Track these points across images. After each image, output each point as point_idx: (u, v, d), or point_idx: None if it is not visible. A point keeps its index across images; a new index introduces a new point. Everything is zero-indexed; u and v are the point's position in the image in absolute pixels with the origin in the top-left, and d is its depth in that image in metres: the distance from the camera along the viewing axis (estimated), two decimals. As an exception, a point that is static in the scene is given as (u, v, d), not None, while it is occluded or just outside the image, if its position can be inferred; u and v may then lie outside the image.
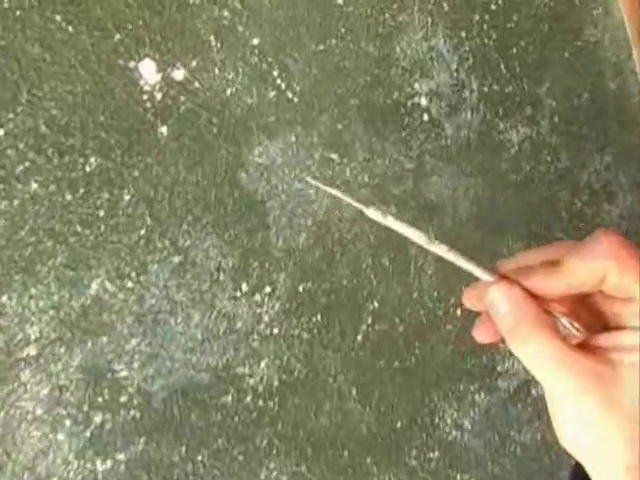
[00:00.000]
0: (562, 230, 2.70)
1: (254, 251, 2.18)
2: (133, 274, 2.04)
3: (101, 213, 2.00)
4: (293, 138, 2.23)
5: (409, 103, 2.38)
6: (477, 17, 2.54)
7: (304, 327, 2.23)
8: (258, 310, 2.19)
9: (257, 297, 2.19)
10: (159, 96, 2.07)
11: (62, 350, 2.01)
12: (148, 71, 2.09)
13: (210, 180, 2.13)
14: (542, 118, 2.65)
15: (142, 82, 2.06)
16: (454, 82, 2.47)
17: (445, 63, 2.45)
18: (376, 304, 2.34)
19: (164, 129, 2.07)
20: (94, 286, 2.00)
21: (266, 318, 2.19)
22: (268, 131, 2.19)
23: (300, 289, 2.23)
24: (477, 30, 2.52)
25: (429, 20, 2.43)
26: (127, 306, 2.04)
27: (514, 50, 2.61)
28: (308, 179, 2.20)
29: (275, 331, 2.21)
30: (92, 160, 1.99)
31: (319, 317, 2.25)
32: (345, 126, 2.29)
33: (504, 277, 0.92)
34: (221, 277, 2.15)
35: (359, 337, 2.31)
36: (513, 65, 2.59)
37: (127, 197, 2.02)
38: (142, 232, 2.04)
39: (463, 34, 2.49)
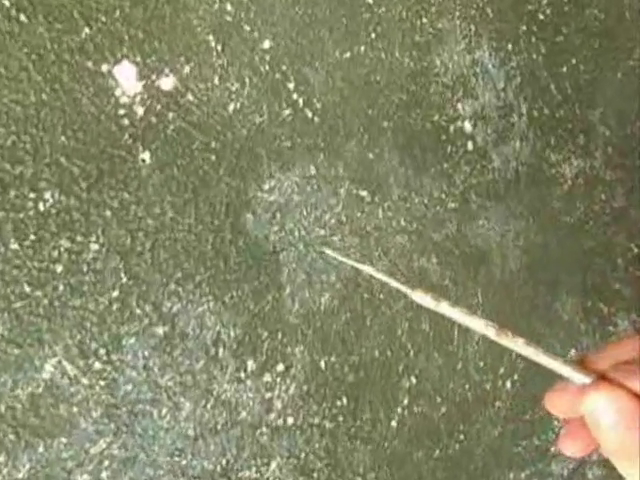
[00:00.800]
0: (619, 280, 2.25)
1: (263, 318, 1.63)
2: (102, 351, 1.46)
3: (59, 268, 1.43)
4: (313, 170, 1.70)
5: (451, 128, 1.89)
6: (524, 27, 2.08)
7: (326, 414, 1.69)
8: (268, 395, 1.63)
9: (267, 378, 1.63)
10: (140, 111, 1.51)
11: (1, 458, 1.42)
12: (126, 78, 1.54)
13: (206, 224, 1.58)
14: (596, 148, 2.20)
15: (118, 92, 1.50)
16: (501, 104, 1.99)
17: (491, 81, 1.97)
18: (413, 380, 1.82)
19: (146, 155, 1.51)
20: (48, 368, 1.42)
21: (278, 405, 1.64)
22: (282, 160, 1.66)
23: (322, 365, 1.69)
24: (525, 43, 2.06)
25: (472, 28, 1.95)
26: (94, 395, 1.46)
27: (564, 68, 2.16)
28: (327, 251, 1.68)
29: (289, 421, 1.66)
30: (47, 196, 1.43)
31: (345, 400, 1.72)
32: (377, 155, 1.77)
33: (602, 377, 0.78)
34: (220, 353, 1.59)
35: (393, 423, 1.78)
36: (564, 86, 2.14)
37: (95, 246, 1.45)
38: (114, 294, 1.47)
39: (510, 47, 2.02)
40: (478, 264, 1.94)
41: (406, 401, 1.81)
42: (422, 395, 1.82)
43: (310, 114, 1.72)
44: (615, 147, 2.29)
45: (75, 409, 1.48)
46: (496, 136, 1.99)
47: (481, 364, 1.94)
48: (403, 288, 1.32)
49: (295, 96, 1.71)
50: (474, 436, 1.91)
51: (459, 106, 1.92)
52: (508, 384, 2.01)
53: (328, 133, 1.74)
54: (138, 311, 1.54)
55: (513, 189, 2.00)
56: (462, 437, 1.90)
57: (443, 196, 1.88)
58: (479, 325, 1.13)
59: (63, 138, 1.50)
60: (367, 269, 1.54)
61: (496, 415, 1.97)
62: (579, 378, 0.82)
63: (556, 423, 2.13)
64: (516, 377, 2.06)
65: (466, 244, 1.92)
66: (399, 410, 1.79)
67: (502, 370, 2.00)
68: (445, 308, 1.21)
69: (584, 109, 2.20)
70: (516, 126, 2.04)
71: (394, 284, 1.36)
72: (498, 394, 1.98)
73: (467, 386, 1.91)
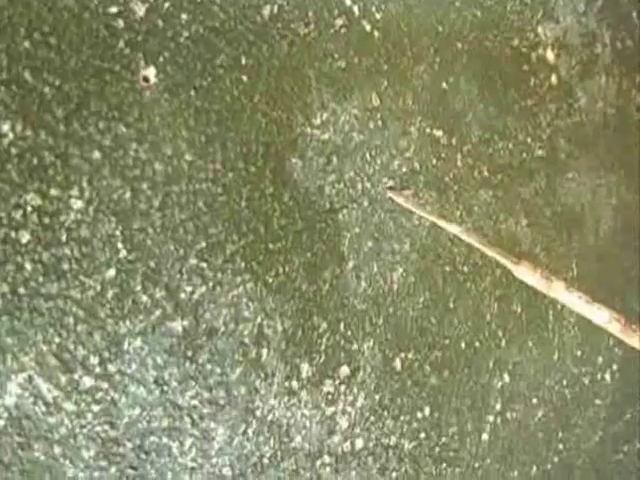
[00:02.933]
0: None
1: (320, 303, 1.11)
2: (94, 360, 0.92)
3: (24, 237, 0.89)
4: (376, 100, 1.18)
5: (533, 56, 1.39)
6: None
7: (405, 431, 1.18)
8: (330, 410, 1.11)
9: (328, 387, 1.11)
10: (141, 9, 0.99)
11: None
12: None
13: (238, 171, 1.04)
14: (678, 93, 1.75)
15: None
16: (583, 30, 1.51)
17: (571, 2, 1.49)
18: (507, 377, 1.33)
19: (150, 72, 0.98)
20: (13, 389, 0.89)
21: (343, 423, 1.12)
22: (336, 85, 1.14)
23: (397, 365, 1.17)
24: (601, -39, 1.59)
25: (548, -64, 1.47)
26: (84, 427, 0.91)
27: (641, -4, 1.70)
28: (392, 195, 1.14)
29: (359, 444, 1.14)
30: (5, 128, 0.89)
31: (427, 411, 1.21)
32: (452, 85, 1.27)
33: None
34: (264, 355, 1.05)
35: (484, 436, 1.29)
36: (644, 16, 1.68)
37: (78, 204, 0.91)
38: (109, 274, 0.93)
39: (587, -37, 1.55)
40: (571, 228, 1.46)
41: (499, 406, 1.31)
42: (516, 397, 1.33)
43: (368, 27, 1.20)
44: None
45: (57, 449, 0.94)
46: (581, 69, 1.51)
47: (579, 353, 1.46)
48: (504, 260, 1.04)
49: (348, 2, 1.18)
50: (573, 445, 1.43)
51: (540, 30, 1.44)
52: (607, 377, 1.54)
53: (392, 53, 1.22)
54: (145, 298, 0.99)
55: (602, 135, 1.53)
56: (561, 447, 1.42)
57: (529, 140, 1.39)
58: (601, 317, 0.97)
59: (27, 44, 0.95)
60: (456, 230, 1.03)
61: (596, 416, 1.49)
62: None
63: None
64: (615, 367, 1.59)
65: (557, 202, 1.43)
66: (491, 419, 1.30)
67: (600, 360, 1.52)
68: (559, 291, 0.96)
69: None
70: (600, 58, 1.57)
71: (493, 254, 1.07)
72: (597, 390, 1.51)
73: (565, 382, 1.43)
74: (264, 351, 1.05)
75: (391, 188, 1.17)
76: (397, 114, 1.22)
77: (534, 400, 1.38)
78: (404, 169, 1.20)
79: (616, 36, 1.62)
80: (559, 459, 1.42)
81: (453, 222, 1.14)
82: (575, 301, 0.96)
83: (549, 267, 1.40)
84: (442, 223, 1.10)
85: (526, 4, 1.45)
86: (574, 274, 1.50)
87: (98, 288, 0.96)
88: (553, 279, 0.97)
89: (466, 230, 1.06)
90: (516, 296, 1.38)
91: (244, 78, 1.08)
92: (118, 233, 0.97)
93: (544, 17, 1.48)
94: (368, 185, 1.17)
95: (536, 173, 1.43)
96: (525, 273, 0.99)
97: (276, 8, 1.14)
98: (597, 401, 1.52)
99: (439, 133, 1.27)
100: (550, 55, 1.48)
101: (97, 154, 0.98)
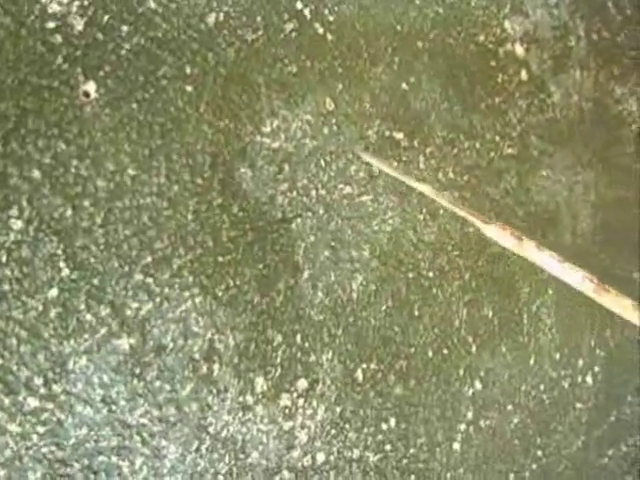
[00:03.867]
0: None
1: (274, 315, 1.08)
2: (37, 381, 0.90)
3: None
4: (330, 104, 1.15)
5: (501, 51, 1.35)
6: None
7: (369, 444, 1.15)
8: (288, 425, 1.08)
9: (285, 401, 1.08)
10: (80, 24, 0.96)
11: None
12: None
13: (184, 184, 1.02)
14: (661, 82, 1.69)
15: None
16: (555, 23, 1.45)
17: (542, -7, 1.44)
18: (478, 385, 1.29)
19: (91, 87, 0.96)
20: None
21: (303, 437, 1.09)
22: (287, 91, 1.11)
23: (358, 376, 1.14)
24: (575, -50, 1.54)
25: None
26: (29, 449, 0.89)
27: (619, -16, 1.64)
28: (361, 154, 1.11)
29: (320, 458, 1.11)
30: None
31: (393, 422, 1.17)
32: (413, 86, 1.23)
33: None
34: (215, 371, 1.03)
35: (456, 446, 1.25)
36: (622, 4, 1.61)
37: (18, 224, 0.89)
38: (52, 293, 0.91)
39: (559, -47, 1.49)
40: (545, 227, 1.41)
41: (470, 414, 1.27)
42: (490, 404, 1.29)
43: (321, 29, 1.16)
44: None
45: (2, 471, 0.92)
46: (553, 63, 1.46)
47: (557, 356, 1.41)
48: (475, 220, 1.02)
49: (299, 5, 1.15)
50: (553, 451, 1.39)
51: (507, 24, 1.39)
52: (589, 379, 1.49)
53: (347, 55, 1.18)
54: (89, 317, 0.97)
55: (578, 130, 1.48)
56: (540, 453, 1.38)
57: (498, 139, 1.35)
58: (574, 278, 0.98)
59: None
60: (426, 189, 1.05)
61: (577, 420, 1.44)
62: None
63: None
64: (597, 369, 1.54)
65: (530, 202, 1.38)
66: (462, 427, 1.26)
67: (581, 362, 1.47)
68: (530, 250, 0.96)
69: (646, 34, 1.69)
70: (574, 51, 1.51)
71: (462, 213, 1.05)
72: (578, 393, 1.45)
73: (542, 386, 1.38)
74: (216, 366, 1.03)
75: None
76: (353, 118, 1.18)
77: (509, 406, 1.34)
78: (362, 174, 1.16)
79: (591, 28, 1.56)
80: (538, 466, 1.37)
81: (422, 181, 1.10)
82: (547, 260, 0.96)
83: (522, 269, 1.35)
84: (412, 182, 1.06)
85: (492, -1, 1.41)
86: (549, 274, 1.44)
87: (40, 308, 0.94)
88: (524, 238, 0.97)
89: (436, 190, 1.05)
90: (487, 300, 1.33)
91: (189, 88, 1.05)
92: (60, 252, 0.95)
93: (512, 11, 1.43)
94: (323, 192, 1.13)
95: (506, 172, 1.38)
96: (495, 232, 1.00)
97: (222, 15, 1.11)
98: (578, 405, 1.47)
99: (400, 135, 1.23)
100: (519, 50, 1.43)
101: (37, 173, 0.96)
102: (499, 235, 0.99)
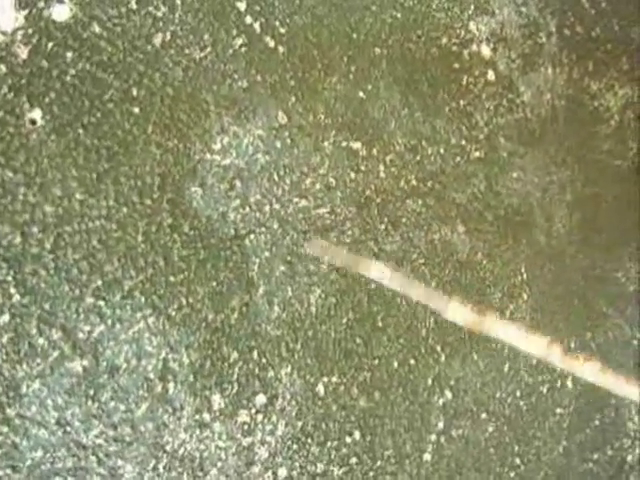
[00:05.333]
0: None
1: (229, 332, 1.07)
2: (-11, 406, 0.91)
3: None
4: (283, 117, 1.14)
5: (465, 53, 1.32)
6: None
7: (333, 457, 1.13)
8: (247, 440, 1.08)
9: (243, 417, 1.07)
10: (24, 52, 0.97)
11: None
12: (1, 6, 0.99)
13: (133, 205, 1.02)
14: (643, 74, 1.64)
15: None
16: (523, 21, 1.42)
17: (509, -9, 1.40)
18: (449, 394, 1.26)
19: (36, 114, 0.97)
20: None
21: (263, 453, 1.08)
22: (236, 107, 1.10)
23: (319, 390, 1.13)
24: (545, -57, 1.49)
25: None
26: (-19, 472, 0.91)
27: (595, -24, 1.59)
28: (308, 247, 1.12)
29: (282, 473, 1.10)
30: None
31: (357, 435, 1.16)
32: (370, 94, 1.21)
33: None
34: (170, 389, 1.03)
35: (426, 456, 1.23)
36: (598, -3, 1.56)
37: None
38: (3, 319, 0.92)
39: (527, -52, 1.45)
40: (518, 230, 1.38)
41: (441, 424, 1.25)
42: (462, 413, 1.26)
43: (272, 42, 1.15)
44: (665, 71, 1.72)
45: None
46: (522, 61, 1.42)
47: (534, 362, 1.38)
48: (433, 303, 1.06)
49: (248, 19, 1.14)
50: (533, 458, 1.35)
51: (472, 25, 1.36)
52: (569, 383, 1.45)
53: (300, 67, 1.17)
54: (41, 341, 0.98)
55: (551, 129, 1.44)
56: (518, 461, 1.34)
57: (464, 143, 1.32)
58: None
59: None
60: (378, 275, 1.12)
61: (558, 426, 1.41)
62: None
63: (630, 425, 1.57)
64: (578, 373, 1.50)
65: (500, 205, 1.35)
66: (433, 438, 1.23)
67: (559, 368, 1.44)
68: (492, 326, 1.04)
69: (624, 25, 1.63)
70: (545, 48, 1.47)
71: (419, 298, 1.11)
72: (558, 398, 1.42)
73: (518, 393, 1.35)
74: (171, 385, 1.03)
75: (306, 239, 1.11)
76: (307, 130, 1.16)
77: (483, 415, 1.30)
78: (317, 186, 1.15)
79: (563, 23, 1.51)
80: (516, 474, 1.33)
81: (372, 265, 1.10)
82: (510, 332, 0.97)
83: (493, 275, 1.31)
84: (361, 269, 1.06)
85: (455, 0, 1.37)
86: (523, 278, 1.41)
87: (-7, 334, 0.96)
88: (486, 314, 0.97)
89: (389, 274, 1.05)
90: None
91: (135, 110, 1.05)
92: (10, 278, 0.96)
93: (477, 11, 1.40)
94: (277, 206, 1.12)
95: (473, 176, 1.34)
96: (455, 310, 1.00)
97: (168, 35, 1.11)
98: (558, 410, 1.43)
99: (357, 145, 1.21)
100: (485, 50, 1.39)
101: (-16, 200, 0.98)
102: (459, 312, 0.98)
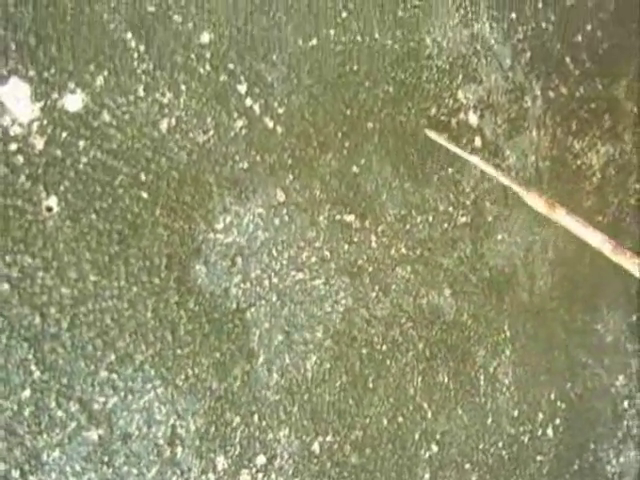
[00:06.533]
0: (665, 286, 1.82)
1: (232, 399, 1.19)
2: (15, 474, 1.03)
3: None
4: (281, 195, 1.26)
5: (453, 122, 1.44)
6: (528, -10, 1.63)
7: None
8: None
9: (244, 476, 1.20)
10: (40, 143, 1.08)
11: None
12: (17, 100, 1.10)
13: (143, 285, 1.14)
14: (624, 129, 1.76)
15: (6, 120, 1.06)
16: (510, 86, 1.54)
17: (495, 59, 1.52)
18: (435, 448, 1.39)
19: (52, 201, 1.08)
20: None
21: None
22: (238, 188, 1.22)
23: (315, 449, 1.26)
24: (531, 10, 1.61)
25: (467, -5, 1.50)
26: (5, 536, 1.03)
27: (579, 37, 1.71)
28: (428, 132, 1.43)
29: (280, 528, 1.24)
30: None
31: (350, 489, 1.29)
32: (363, 167, 1.33)
33: None
34: (178, 453, 1.15)
35: None
36: (581, 58, 1.69)
37: None
38: (25, 394, 1.04)
39: (514, 15, 1.57)
40: (501, 289, 1.51)
41: (428, 476, 1.38)
42: (447, 465, 1.40)
43: (271, 123, 1.27)
44: (646, 125, 1.85)
45: None
46: (508, 126, 1.55)
47: (515, 413, 1.51)
48: (515, 187, 1.27)
49: (249, 102, 1.26)
50: (515, 503, 1.49)
51: (460, 94, 1.48)
52: (549, 432, 1.58)
53: (297, 146, 1.29)
54: (60, 413, 1.10)
55: (534, 190, 1.56)
56: (501, 508, 1.48)
57: (451, 209, 1.44)
58: (595, 240, 1.13)
59: None
60: (475, 160, 1.39)
61: (538, 472, 1.54)
62: None
63: (609, 468, 1.71)
64: (558, 421, 1.63)
65: (485, 266, 1.48)
66: (420, 489, 1.37)
67: (541, 416, 1.57)
68: (560, 215, 1.19)
69: (606, 84, 1.75)
70: (530, 112, 1.59)
71: (505, 181, 1.34)
72: (538, 446, 1.55)
73: (501, 443, 1.48)
74: (178, 449, 1.15)
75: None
76: (303, 206, 1.28)
77: (467, 465, 1.44)
78: (313, 259, 1.27)
79: (548, 85, 1.63)
80: (500, 520, 1.47)
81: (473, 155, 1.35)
82: (573, 224, 1.18)
83: (477, 334, 1.45)
84: (465, 155, 1.35)
85: (444, 70, 1.49)
86: (506, 335, 1.54)
87: (15, 408, 1.07)
88: (556, 205, 1.19)
89: (484, 160, 1.35)
90: (442, 367, 1.43)
91: (144, 194, 1.17)
92: (30, 356, 1.08)
93: (465, 80, 1.52)
94: (276, 280, 1.24)
95: (460, 241, 1.47)
96: (533, 199, 1.22)
97: (174, 120, 1.22)
98: (539, 457, 1.56)
99: (350, 218, 1.33)
100: (473, 118, 1.51)
101: (6, 286, 1.09)
102: (535, 202, 1.21)
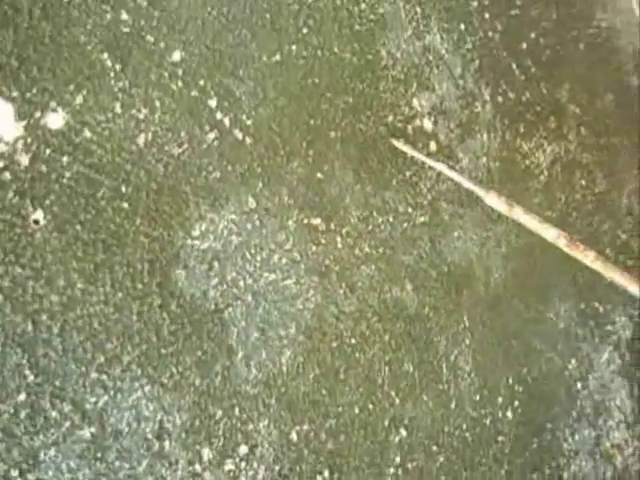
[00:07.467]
0: (610, 274, 2.03)
1: (214, 393, 1.34)
2: (14, 473, 1.16)
3: None
4: (252, 202, 1.41)
5: (409, 128, 1.62)
6: (475, 3, 1.82)
7: None
8: None
9: (229, 465, 1.35)
10: (25, 159, 1.21)
11: None
12: (2, 118, 1.22)
13: (127, 290, 1.28)
14: (568, 130, 1.98)
15: None
16: (461, 93, 1.73)
17: (447, 68, 1.71)
18: (403, 432, 1.57)
19: (39, 215, 1.21)
20: None
21: None
22: (212, 196, 1.37)
23: (293, 437, 1.42)
24: (478, 21, 1.81)
25: (418, 10, 1.68)
26: (5, 529, 1.15)
27: (524, 45, 1.92)
28: (395, 141, 1.61)
29: (263, 512, 1.39)
30: None
31: (327, 473, 1.45)
32: (327, 174, 1.50)
33: None
34: (166, 447, 1.29)
35: None
36: (526, 64, 1.90)
37: None
38: (21, 398, 1.17)
39: (462, 27, 1.77)
40: (459, 283, 1.69)
41: (398, 459, 1.55)
42: (416, 448, 1.57)
43: (240, 135, 1.43)
44: (588, 126, 2.08)
45: None
46: (460, 131, 1.74)
47: (477, 398, 1.70)
48: (476, 189, 1.42)
49: (219, 115, 1.41)
50: (479, 481, 1.68)
51: (415, 102, 1.66)
52: (509, 414, 1.78)
53: (265, 155, 1.45)
54: (54, 414, 1.23)
55: (486, 187, 1.75)
56: (466, 486, 1.67)
57: (410, 210, 1.62)
58: (550, 235, 1.23)
59: None
60: (441, 167, 1.54)
61: (500, 452, 1.74)
62: None
63: (565, 445, 1.92)
64: (517, 404, 1.83)
65: (443, 262, 1.66)
66: (391, 471, 1.54)
67: (501, 400, 1.76)
68: (519, 214, 1.31)
69: (550, 88, 1.97)
70: (481, 116, 1.79)
71: (467, 185, 1.48)
72: (499, 427, 1.75)
73: (465, 426, 1.67)
74: (166, 443, 1.29)
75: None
76: (273, 212, 1.45)
77: (434, 447, 1.62)
78: (284, 261, 1.43)
79: (496, 91, 1.84)
80: (466, 497, 1.66)
81: (439, 162, 1.53)
82: (530, 221, 1.29)
83: (439, 325, 1.63)
84: (430, 162, 1.55)
85: (399, 79, 1.67)
86: (465, 325, 1.73)
87: (12, 411, 1.19)
88: (514, 204, 1.32)
89: (448, 167, 1.50)
90: (407, 357, 1.61)
91: (125, 205, 1.31)
92: (24, 361, 1.21)
93: (419, 88, 1.71)
94: (250, 281, 1.40)
95: (419, 239, 1.65)
96: (493, 200, 1.35)
97: (150, 135, 1.37)
98: (500, 438, 1.76)
99: (317, 221, 1.50)
100: (427, 124, 1.70)
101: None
102: (495, 202, 1.35)
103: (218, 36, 1.43)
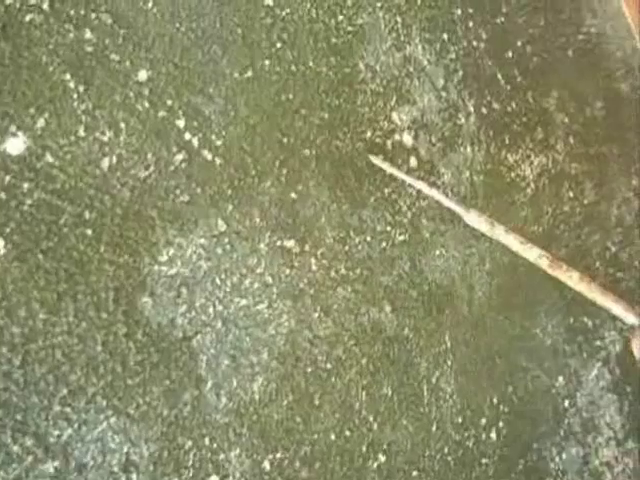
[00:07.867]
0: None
1: (183, 424, 1.33)
2: (-29, 510, 1.15)
3: None
4: (222, 225, 1.40)
5: (388, 143, 1.60)
6: (459, 11, 1.80)
7: None
8: None
9: (198, 497, 1.35)
10: None
11: None
12: (-41, 145, 1.21)
13: (91, 320, 1.27)
14: (556, 140, 1.96)
15: None
16: (443, 105, 1.71)
17: (428, 79, 1.69)
18: (382, 457, 1.55)
19: None
20: None
21: None
22: (180, 220, 1.35)
23: (266, 466, 1.41)
24: (462, 29, 1.79)
25: (399, 20, 1.66)
26: None
27: (510, 53, 1.90)
28: (373, 158, 1.59)
29: None
30: None
31: (301, 502, 1.44)
32: (301, 194, 1.48)
33: None
34: (133, 479, 1.29)
35: None
36: (512, 73, 1.87)
37: None
38: (-21, 432, 1.16)
39: (445, 36, 1.74)
40: (441, 302, 1.68)
41: (376, 485, 1.55)
42: (395, 474, 1.56)
43: (209, 155, 1.41)
44: (577, 135, 2.05)
45: None
46: (442, 145, 1.72)
47: (459, 420, 1.69)
48: (457, 208, 1.41)
49: (187, 135, 1.39)
50: (462, 505, 1.67)
51: (394, 116, 1.64)
52: (493, 435, 1.77)
53: (235, 176, 1.43)
54: (16, 448, 1.22)
55: (470, 204, 1.74)
56: (448, 511, 1.66)
57: (389, 229, 1.61)
58: (532, 255, 1.24)
59: None
60: (420, 185, 1.53)
61: (484, 474, 1.73)
62: (629, 318, 0.92)
63: (552, 465, 1.91)
64: (501, 424, 1.82)
65: (424, 281, 1.65)
66: (369, 498, 1.54)
67: (484, 421, 1.75)
68: (500, 233, 1.32)
69: (538, 97, 1.95)
70: (464, 129, 1.77)
71: (447, 203, 1.46)
72: (483, 449, 1.74)
73: (446, 449, 1.66)
74: (133, 476, 1.28)
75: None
76: (244, 234, 1.43)
77: (414, 472, 1.61)
78: (256, 285, 1.42)
79: (481, 102, 1.82)
80: (448, 522, 1.65)
81: (419, 180, 1.52)
82: (511, 241, 1.29)
83: (419, 347, 1.62)
84: (410, 180, 1.53)
85: (378, 93, 1.66)
86: (447, 346, 1.72)
87: (-29, 446, 1.19)
88: (495, 224, 1.33)
89: (428, 185, 1.48)
90: (385, 380, 1.60)
91: (88, 232, 1.30)
92: (-16, 395, 1.20)
93: (399, 102, 1.69)
94: (220, 307, 1.39)
95: (398, 259, 1.64)
96: (473, 219, 1.35)
97: (115, 158, 1.35)
98: (484, 460, 1.75)
99: (290, 243, 1.49)
100: (407, 138, 1.69)
101: (-44, 328, 1.20)
102: (476, 221, 1.35)
103: (187, 53, 1.41)
